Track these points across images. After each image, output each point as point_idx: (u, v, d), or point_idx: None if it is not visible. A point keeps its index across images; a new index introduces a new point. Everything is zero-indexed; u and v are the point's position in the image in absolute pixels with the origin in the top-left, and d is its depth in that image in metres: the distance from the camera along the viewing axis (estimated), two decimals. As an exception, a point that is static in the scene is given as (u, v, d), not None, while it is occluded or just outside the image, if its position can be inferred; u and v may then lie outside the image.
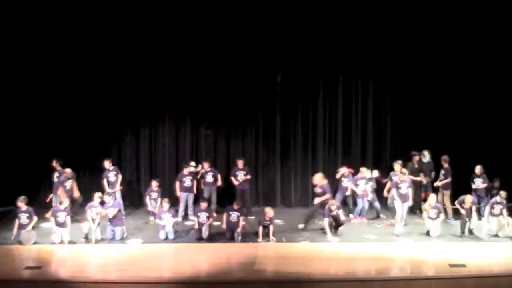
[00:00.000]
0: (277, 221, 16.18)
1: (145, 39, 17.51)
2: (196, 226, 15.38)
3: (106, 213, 15.34)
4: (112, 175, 17.15)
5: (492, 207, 15.61)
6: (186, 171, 17.07)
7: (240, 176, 17.27)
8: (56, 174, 16.93)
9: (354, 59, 17.92)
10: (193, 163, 17.38)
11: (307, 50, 17.82)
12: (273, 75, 18.03)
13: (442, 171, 17.17)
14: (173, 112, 18.37)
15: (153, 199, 16.78)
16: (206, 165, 17.28)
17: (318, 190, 16.21)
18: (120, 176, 17.25)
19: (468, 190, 16.54)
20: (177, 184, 17.07)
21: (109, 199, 15.62)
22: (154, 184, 16.87)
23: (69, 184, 16.71)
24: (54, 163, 16.96)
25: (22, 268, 13.51)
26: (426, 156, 17.53)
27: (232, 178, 17.31)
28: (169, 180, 18.02)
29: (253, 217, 16.77)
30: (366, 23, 17.53)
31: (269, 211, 15.41)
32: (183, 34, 17.59)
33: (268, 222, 15.35)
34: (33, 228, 15.28)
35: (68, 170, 16.75)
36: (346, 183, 17.10)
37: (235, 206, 15.53)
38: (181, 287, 12.89)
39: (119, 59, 17.69)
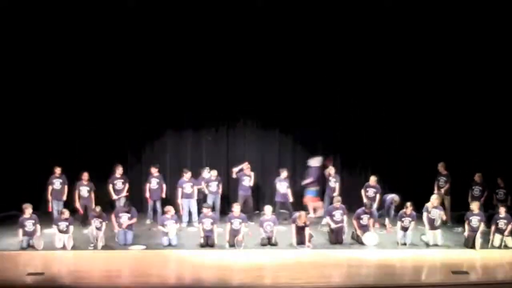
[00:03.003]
0: (281, 227, 16.19)
1: (149, 44, 17.56)
2: (201, 233, 15.36)
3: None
4: (119, 183, 17.17)
5: (496, 224, 15.38)
6: (186, 177, 17.07)
7: (246, 182, 17.28)
8: (59, 180, 16.92)
9: (352, 59, 18.00)
10: (207, 169, 17.42)
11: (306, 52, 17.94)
12: (276, 78, 18.05)
13: (443, 178, 17.23)
14: (176, 119, 18.38)
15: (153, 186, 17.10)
16: (213, 174, 17.26)
17: None
18: (127, 185, 17.25)
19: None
20: (179, 191, 17.06)
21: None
22: (154, 170, 17.07)
23: (84, 189, 16.78)
24: (56, 169, 16.96)
25: (25, 274, 13.47)
26: (310, 162, 17.77)
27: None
28: (170, 186, 18.07)
29: (253, 223, 16.77)
30: (364, 23, 17.58)
31: (302, 215, 15.32)
32: (184, 39, 17.66)
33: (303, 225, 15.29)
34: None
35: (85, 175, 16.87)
36: (334, 183, 17.10)
37: (236, 213, 15.49)
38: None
39: (124, 67, 17.75)
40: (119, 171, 17.18)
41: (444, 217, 15.83)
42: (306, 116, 18.35)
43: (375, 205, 16.53)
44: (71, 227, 15.27)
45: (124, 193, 17.13)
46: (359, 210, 15.85)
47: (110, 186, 17.11)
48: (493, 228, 15.39)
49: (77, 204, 16.79)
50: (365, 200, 16.69)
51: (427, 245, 15.35)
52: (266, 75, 18.02)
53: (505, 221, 15.30)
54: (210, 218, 15.42)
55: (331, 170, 17.22)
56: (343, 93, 18.34)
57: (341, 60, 18.00)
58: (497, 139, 17.93)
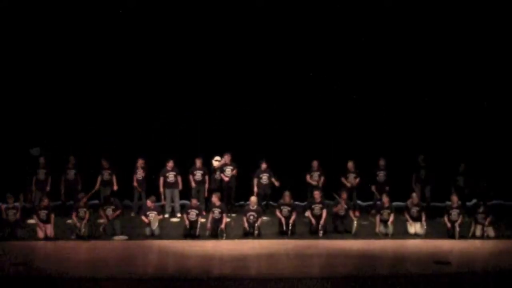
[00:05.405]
0: (264, 218, 16.20)
1: (139, 42, 17.60)
2: (187, 223, 15.37)
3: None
4: (106, 174, 17.19)
5: (475, 217, 15.57)
6: (169, 166, 17.05)
7: (228, 172, 17.31)
8: (44, 171, 16.91)
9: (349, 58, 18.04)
10: (218, 158, 17.41)
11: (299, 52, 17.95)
12: (271, 76, 18.07)
13: (423, 170, 17.37)
14: (164, 111, 18.36)
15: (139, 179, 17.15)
16: (197, 163, 17.24)
17: None
18: (114, 177, 17.26)
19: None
20: (161, 180, 17.07)
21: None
22: (141, 162, 17.11)
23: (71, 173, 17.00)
24: (41, 160, 16.97)
25: (8, 264, 13.46)
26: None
27: (222, 175, 17.32)
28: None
29: (234, 214, 16.80)
30: (361, 23, 17.61)
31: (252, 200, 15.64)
32: (176, 38, 17.73)
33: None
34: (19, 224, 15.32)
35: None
36: (317, 177, 17.21)
37: (217, 203, 15.54)
38: (166, 284, 12.90)
39: (112, 62, 17.75)
40: (104, 163, 17.17)
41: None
42: (292, 113, 18.36)
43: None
44: (52, 216, 15.25)
45: (114, 186, 17.15)
46: (338, 199, 16.05)
47: (99, 178, 17.13)
48: (473, 220, 15.58)
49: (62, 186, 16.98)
50: (347, 185, 17.03)
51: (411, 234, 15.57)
52: (263, 73, 17.98)
53: (483, 215, 15.50)
54: (196, 209, 15.44)
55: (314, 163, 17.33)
56: (335, 91, 18.33)
57: (334, 60, 18.03)
58: (478, 132, 18.03)
